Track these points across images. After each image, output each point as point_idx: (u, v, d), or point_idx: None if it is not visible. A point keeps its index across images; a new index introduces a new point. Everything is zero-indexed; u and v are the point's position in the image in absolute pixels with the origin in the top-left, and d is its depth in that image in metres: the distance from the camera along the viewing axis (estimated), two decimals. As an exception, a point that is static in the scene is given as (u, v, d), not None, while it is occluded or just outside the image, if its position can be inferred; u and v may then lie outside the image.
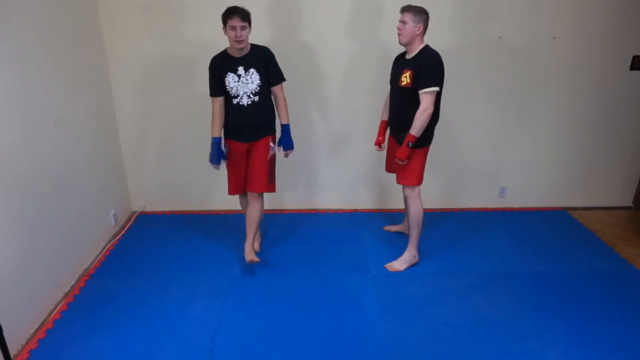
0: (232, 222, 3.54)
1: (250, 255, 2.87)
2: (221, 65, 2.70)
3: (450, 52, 2.66)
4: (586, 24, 3.29)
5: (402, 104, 2.70)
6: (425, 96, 2.57)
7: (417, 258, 3.00)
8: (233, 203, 3.70)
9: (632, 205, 3.90)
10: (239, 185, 2.96)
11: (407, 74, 2.62)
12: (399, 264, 2.96)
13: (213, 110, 2.79)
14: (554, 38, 3.31)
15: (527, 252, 3.16)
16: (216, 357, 2.23)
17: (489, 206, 3.83)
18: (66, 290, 2.72)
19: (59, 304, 2.61)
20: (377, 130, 3.01)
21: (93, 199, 3.06)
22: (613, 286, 2.80)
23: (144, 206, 3.73)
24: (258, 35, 3.09)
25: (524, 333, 2.40)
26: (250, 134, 2.81)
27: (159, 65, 3.28)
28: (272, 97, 2.82)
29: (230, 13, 2.54)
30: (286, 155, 2.91)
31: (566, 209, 3.83)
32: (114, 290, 2.74)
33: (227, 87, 2.71)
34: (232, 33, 2.56)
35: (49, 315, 2.52)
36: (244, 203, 3.10)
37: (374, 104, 3.39)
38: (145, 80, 3.32)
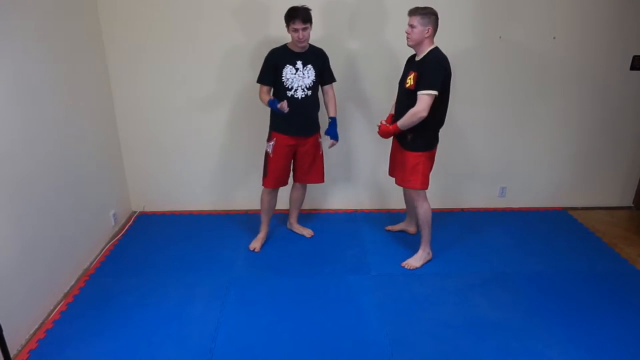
0: (232, 222, 3.54)
1: (305, 230, 3.36)
2: (280, 57, 2.82)
3: (450, 52, 2.66)
4: (586, 24, 3.29)
5: (407, 106, 2.67)
6: (422, 98, 2.56)
7: (430, 255, 3.03)
8: (233, 203, 3.71)
9: (632, 205, 3.90)
10: (279, 180, 3.06)
11: (412, 76, 2.62)
12: (414, 261, 2.98)
13: (260, 95, 2.88)
14: (554, 38, 3.31)
15: (527, 252, 3.16)
16: (216, 357, 2.23)
17: (489, 206, 3.83)
18: (66, 291, 2.71)
19: (58, 304, 2.61)
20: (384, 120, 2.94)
21: (93, 199, 3.06)
22: (613, 286, 2.80)
23: (144, 206, 3.72)
24: (264, 35, 3.11)
25: (524, 333, 2.40)
26: (300, 127, 2.93)
27: (160, 65, 3.28)
28: (319, 94, 3.01)
29: (292, 16, 2.66)
30: (331, 145, 3.06)
31: (566, 209, 3.83)
32: (114, 290, 2.73)
33: (283, 78, 2.82)
34: (294, 34, 2.70)
35: (49, 315, 2.51)
36: (271, 198, 3.15)
37: (376, 105, 3.40)
38: (146, 80, 3.31)
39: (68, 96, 2.75)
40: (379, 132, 2.87)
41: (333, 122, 3.03)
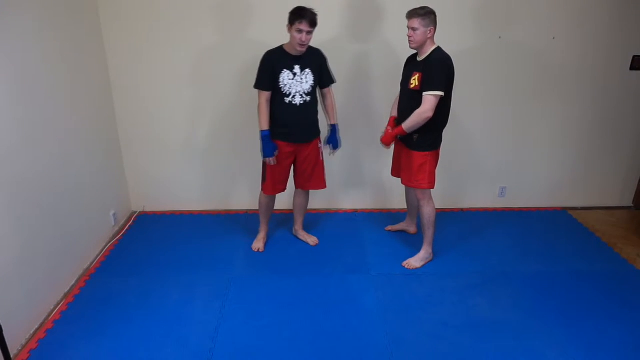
0: (232, 222, 3.54)
1: (310, 238, 3.25)
2: (277, 61, 2.69)
3: (449, 52, 2.65)
4: (586, 24, 3.29)
5: (410, 107, 2.65)
6: (428, 98, 2.55)
7: (432, 256, 3.03)
8: (233, 203, 3.71)
9: (632, 205, 3.90)
10: (277, 186, 2.99)
11: (417, 77, 2.60)
12: (415, 262, 2.98)
13: (260, 104, 2.76)
14: (553, 38, 3.31)
15: (527, 252, 3.16)
16: (216, 357, 2.23)
17: (489, 206, 3.83)
18: (66, 290, 2.72)
19: (59, 304, 2.61)
20: (386, 125, 2.96)
21: (93, 199, 3.06)
22: (613, 286, 2.80)
23: (144, 206, 3.72)
24: (265, 35, 3.09)
25: (524, 333, 2.40)
26: (300, 134, 2.84)
27: (160, 65, 3.28)
28: (318, 98, 2.88)
29: (300, 16, 2.54)
30: (332, 154, 3.03)
31: (566, 209, 3.84)
32: (114, 290, 2.73)
33: (280, 84, 2.70)
34: (297, 35, 2.58)
35: (49, 315, 2.51)
36: (270, 201, 3.11)
37: (377, 105, 3.40)
38: (146, 80, 3.31)
39: (68, 96, 2.75)
40: (382, 140, 2.84)
41: (334, 129, 2.92)
